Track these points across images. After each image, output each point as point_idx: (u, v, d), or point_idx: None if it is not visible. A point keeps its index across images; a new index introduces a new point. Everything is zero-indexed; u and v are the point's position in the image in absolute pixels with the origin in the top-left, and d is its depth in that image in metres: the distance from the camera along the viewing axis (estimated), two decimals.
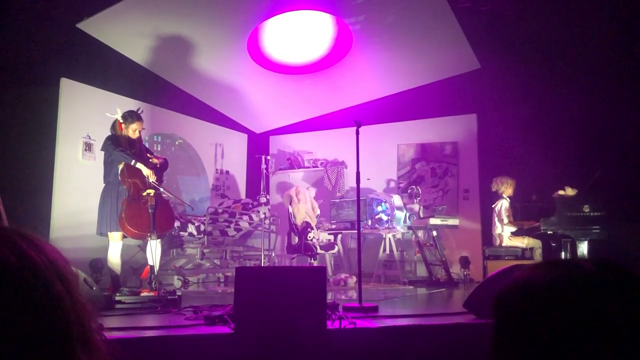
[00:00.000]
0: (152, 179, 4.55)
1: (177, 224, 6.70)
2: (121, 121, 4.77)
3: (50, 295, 0.70)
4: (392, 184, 8.71)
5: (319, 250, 7.26)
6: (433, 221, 7.09)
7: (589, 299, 0.75)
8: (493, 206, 6.99)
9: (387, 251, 7.44)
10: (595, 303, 0.74)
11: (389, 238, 7.43)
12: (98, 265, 5.55)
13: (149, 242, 4.54)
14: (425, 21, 6.70)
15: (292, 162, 9.30)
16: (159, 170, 4.85)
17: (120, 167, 4.61)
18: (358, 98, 8.56)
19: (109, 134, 4.84)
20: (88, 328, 0.74)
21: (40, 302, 0.69)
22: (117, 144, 4.69)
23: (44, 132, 6.32)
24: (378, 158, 8.52)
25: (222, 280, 7.66)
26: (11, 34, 5.79)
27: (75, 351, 0.71)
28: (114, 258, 4.68)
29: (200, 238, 7.10)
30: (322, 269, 3.12)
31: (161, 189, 4.72)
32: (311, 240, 7.21)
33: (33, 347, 0.67)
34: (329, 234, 7.85)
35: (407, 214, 7.34)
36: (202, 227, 7.15)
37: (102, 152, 4.82)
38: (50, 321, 0.69)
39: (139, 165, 4.58)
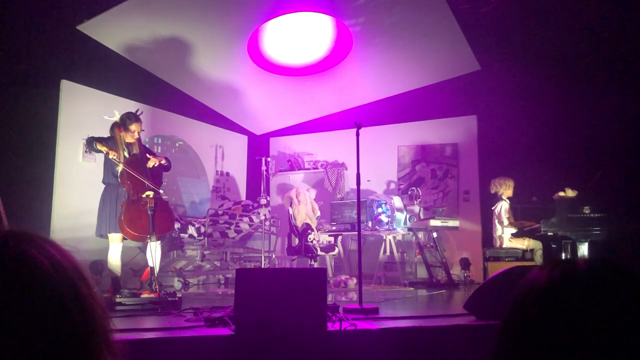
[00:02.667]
0: (112, 155, 4.48)
1: (177, 225, 6.70)
2: (120, 123, 4.77)
3: (78, 298, 0.74)
4: (393, 186, 8.71)
5: (319, 252, 7.25)
6: (433, 223, 7.09)
7: (580, 299, 0.76)
8: (493, 208, 6.98)
9: (388, 253, 7.43)
10: (586, 302, 0.75)
11: (389, 239, 7.42)
12: (98, 267, 5.55)
13: (149, 243, 4.54)
14: (425, 23, 6.71)
15: (293, 164, 9.31)
16: (159, 171, 4.85)
17: (120, 169, 4.61)
18: (358, 99, 8.57)
19: (109, 135, 4.84)
20: (109, 330, 0.78)
21: (70, 305, 0.72)
22: (98, 139, 4.66)
23: (44, 134, 6.33)
24: (378, 159, 8.52)
25: (222, 281, 7.66)
26: (12, 35, 5.79)
27: (102, 351, 0.74)
28: (114, 260, 4.68)
29: (200, 240, 7.10)
30: (323, 271, 3.12)
31: (161, 191, 4.71)
32: (311, 241, 7.20)
33: (65, 349, 0.70)
34: (329, 235, 7.84)
35: (408, 216, 7.34)
36: (203, 229, 7.15)
37: (102, 154, 4.82)
38: (80, 323, 0.73)
39: (100, 147, 4.51)
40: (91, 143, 4.60)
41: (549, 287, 0.79)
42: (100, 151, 4.56)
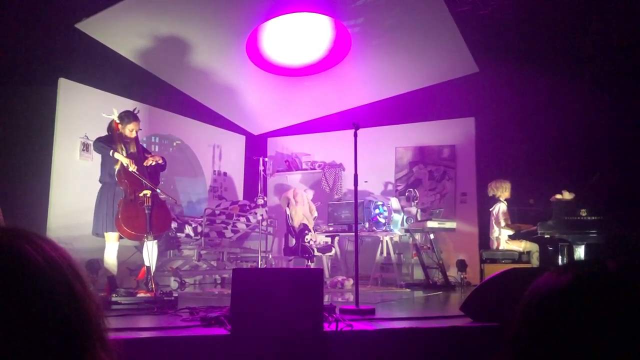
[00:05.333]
0: (131, 168, 4.52)
1: (174, 225, 6.69)
2: (118, 121, 4.76)
3: (73, 296, 0.73)
4: (390, 187, 8.71)
5: (316, 253, 7.25)
6: (430, 224, 7.09)
7: (611, 298, 0.73)
8: (490, 209, 7.00)
9: (385, 254, 7.43)
10: (617, 302, 0.72)
11: (387, 241, 7.42)
12: (94, 265, 5.54)
13: (145, 243, 4.54)
14: (424, 24, 6.71)
15: (290, 164, 9.30)
16: (156, 170, 4.85)
17: (117, 167, 4.60)
18: (356, 100, 8.57)
19: (105, 134, 4.84)
20: (103, 328, 0.77)
21: (64, 302, 0.72)
22: (103, 139, 4.69)
23: (41, 132, 6.31)
24: (376, 161, 8.51)
25: (218, 281, 7.64)
26: (10, 33, 5.78)
27: (96, 349, 0.74)
28: (111, 259, 4.67)
29: (197, 239, 7.09)
30: (319, 271, 3.12)
31: (158, 190, 4.71)
32: (308, 242, 7.20)
33: (59, 347, 0.70)
34: (326, 236, 7.84)
35: (405, 217, 7.34)
36: (199, 229, 7.14)
37: (99, 154, 4.82)
38: (74, 320, 0.72)
39: (117, 155, 4.56)
40: (103, 148, 4.61)
41: (573, 287, 0.76)
42: (123, 162, 4.56)
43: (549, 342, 0.75)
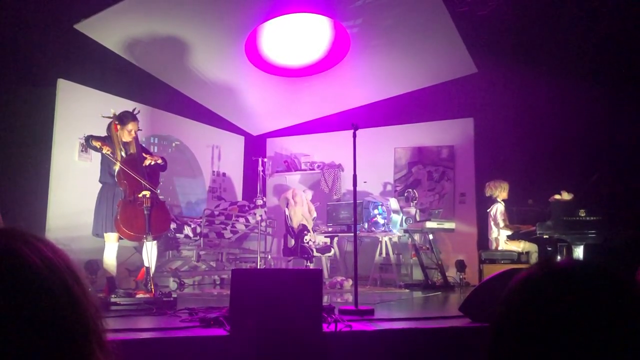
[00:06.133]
0: (104, 150, 4.52)
1: (173, 225, 6.69)
2: (116, 122, 4.76)
3: (71, 297, 0.72)
4: (389, 187, 8.72)
5: (315, 253, 7.25)
6: (429, 225, 7.10)
7: (554, 293, 0.78)
8: (488, 210, 7.00)
9: (384, 254, 7.43)
10: (558, 297, 0.77)
11: (386, 241, 7.42)
12: (94, 266, 5.54)
13: (144, 243, 4.53)
14: (423, 25, 6.72)
15: (289, 165, 9.30)
16: (155, 170, 4.85)
17: (117, 168, 4.60)
18: (355, 101, 8.57)
19: (105, 134, 4.84)
20: (102, 329, 0.77)
21: (62, 304, 0.71)
22: (95, 137, 4.69)
23: (40, 133, 6.31)
24: (375, 161, 8.51)
25: (218, 282, 7.64)
26: (8, 34, 5.77)
27: (94, 352, 0.73)
28: (110, 259, 4.67)
29: (196, 240, 7.09)
30: (318, 272, 3.12)
31: (158, 190, 4.71)
32: (307, 243, 7.20)
33: (57, 349, 0.69)
34: (325, 236, 7.84)
35: (404, 217, 7.34)
36: (198, 229, 7.14)
37: (99, 154, 4.82)
38: (72, 322, 0.71)
39: (94, 142, 4.55)
40: (88, 140, 4.63)
41: (526, 282, 0.83)
42: (95, 147, 4.58)
43: (516, 330, 0.81)
